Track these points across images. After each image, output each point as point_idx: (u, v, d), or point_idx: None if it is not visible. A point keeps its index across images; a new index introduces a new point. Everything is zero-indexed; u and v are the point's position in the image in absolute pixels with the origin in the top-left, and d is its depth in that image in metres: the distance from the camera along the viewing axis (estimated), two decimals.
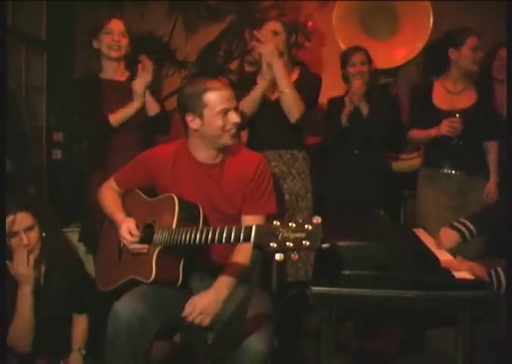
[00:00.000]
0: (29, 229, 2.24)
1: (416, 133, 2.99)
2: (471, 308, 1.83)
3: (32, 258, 2.22)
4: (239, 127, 2.79)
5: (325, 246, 1.50)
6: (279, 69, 2.65)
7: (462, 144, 2.87)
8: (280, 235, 1.49)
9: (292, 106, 2.69)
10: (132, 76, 2.81)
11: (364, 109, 3.09)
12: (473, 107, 2.92)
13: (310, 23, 3.71)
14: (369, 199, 2.98)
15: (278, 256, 1.50)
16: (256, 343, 1.81)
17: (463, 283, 1.81)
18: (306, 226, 1.48)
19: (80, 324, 2.35)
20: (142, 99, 2.73)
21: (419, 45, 3.48)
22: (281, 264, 2.63)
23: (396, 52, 3.34)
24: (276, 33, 2.77)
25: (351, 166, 3.13)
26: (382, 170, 3.20)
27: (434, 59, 3.01)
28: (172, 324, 2.04)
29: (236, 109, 2.06)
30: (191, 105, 2.02)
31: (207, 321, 1.93)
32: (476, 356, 2.02)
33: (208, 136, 2.04)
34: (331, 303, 1.85)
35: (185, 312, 1.94)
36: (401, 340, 2.82)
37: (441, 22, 3.54)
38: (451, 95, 2.93)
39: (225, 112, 2.01)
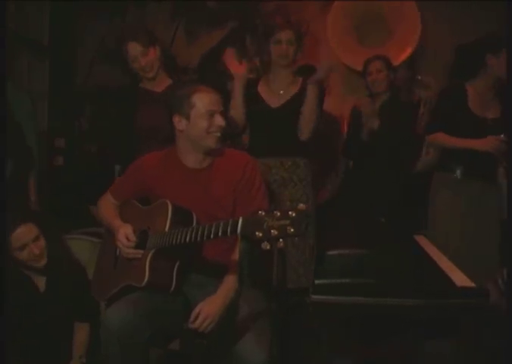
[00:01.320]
0: (36, 239, 2.25)
1: (449, 140, 2.77)
2: (472, 315, 1.82)
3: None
4: (237, 133, 2.85)
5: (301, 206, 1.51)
6: (313, 93, 2.74)
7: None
8: (265, 224, 1.52)
9: (307, 127, 2.76)
10: (174, 84, 2.78)
11: (375, 124, 3.13)
12: (500, 118, 2.80)
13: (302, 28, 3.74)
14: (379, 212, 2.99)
15: (264, 245, 1.52)
16: (255, 351, 1.81)
17: (464, 290, 1.80)
18: (290, 213, 1.50)
19: (81, 332, 2.35)
20: None
21: (410, 50, 3.65)
22: (281, 262, 2.64)
23: (390, 57, 3.38)
24: (290, 43, 2.77)
25: (366, 178, 3.17)
26: (396, 184, 3.18)
27: (467, 62, 2.88)
28: (166, 331, 2.03)
29: (223, 113, 2.08)
30: (179, 106, 2.06)
31: (210, 327, 1.92)
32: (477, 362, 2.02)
33: (193, 137, 2.06)
34: (331, 312, 1.85)
35: (191, 319, 1.92)
36: (401, 348, 2.81)
37: (430, 26, 3.68)
38: (483, 101, 2.81)
39: (211, 114, 2.03)
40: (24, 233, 2.22)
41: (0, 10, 2.49)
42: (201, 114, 2.02)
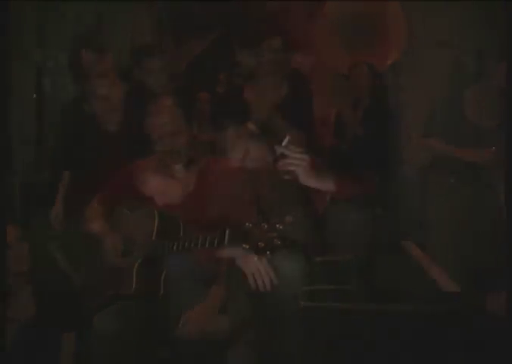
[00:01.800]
0: (19, 240, 2.27)
1: (441, 147, 2.86)
2: (459, 319, 1.84)
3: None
4: None
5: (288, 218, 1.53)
6: None
7: None
8: (253, 236, 1.54)
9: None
10: (127, 90, 2.76)
11: (359, 129, 3.14)
12: (500, 125, 2.81)
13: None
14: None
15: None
16: (243, 359, 1.82)
17: (450, 295, 1.82)
18: (277, 225, 1.53)
19: (69, 341, 2.35)
20: None
21: (396, 55, 3.73)
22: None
23: (376, 62, 3.46)
24: (280, 50, 2.77)
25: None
26: (384, 188, 3.19)
27: (466, 69, 2.95)
28: (155, 339, 2.03)
29: (180, 134, 2.04)
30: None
31: (198, 335, 1.92)
32: None
33: None
34: (320, 318, 1.86)
35: (179, 326, 1.93)
36: (391, 352, 2.82)
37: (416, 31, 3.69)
38: (481, 109, 2.85)
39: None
40: (7, 234, 2.21)
41: (2, 10, 2.48)
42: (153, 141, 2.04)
